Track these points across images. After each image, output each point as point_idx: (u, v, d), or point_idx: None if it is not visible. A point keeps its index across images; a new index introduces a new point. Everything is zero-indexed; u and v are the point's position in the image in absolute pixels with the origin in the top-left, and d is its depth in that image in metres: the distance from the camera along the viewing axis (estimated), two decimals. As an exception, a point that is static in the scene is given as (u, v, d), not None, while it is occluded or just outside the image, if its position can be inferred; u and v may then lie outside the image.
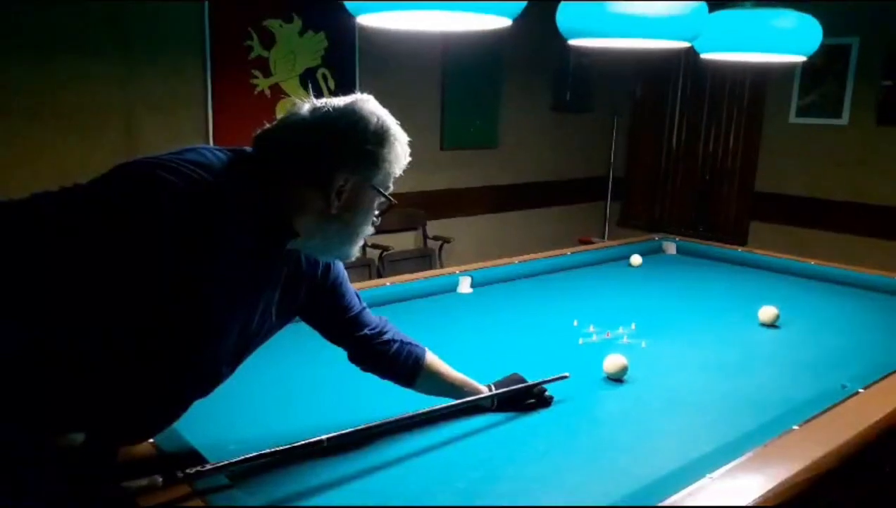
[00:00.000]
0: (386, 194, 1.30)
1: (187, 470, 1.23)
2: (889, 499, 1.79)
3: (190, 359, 1.21)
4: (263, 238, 1.23)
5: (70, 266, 1.07)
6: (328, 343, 1.55)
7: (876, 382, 1.80)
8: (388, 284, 2.63)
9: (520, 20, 1.71)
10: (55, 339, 1.10)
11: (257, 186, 1.21)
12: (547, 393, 1.75)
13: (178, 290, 1.13)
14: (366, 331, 1.53)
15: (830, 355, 2.17)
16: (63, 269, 1.07)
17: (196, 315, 1.17)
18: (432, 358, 1.62)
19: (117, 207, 1.08)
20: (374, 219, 1.32)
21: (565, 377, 1.80)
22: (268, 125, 1.28)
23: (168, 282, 1.11)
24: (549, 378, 1.77)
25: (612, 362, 1.91)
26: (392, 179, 1.31)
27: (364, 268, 4.24)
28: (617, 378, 1.91)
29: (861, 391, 1.74)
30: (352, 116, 1.24)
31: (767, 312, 2.41)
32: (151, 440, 1.34)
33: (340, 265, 1.49)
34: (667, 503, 1.24)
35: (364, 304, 1.55)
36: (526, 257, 3.15)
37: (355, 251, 1.34)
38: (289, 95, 4.09)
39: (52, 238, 1.06)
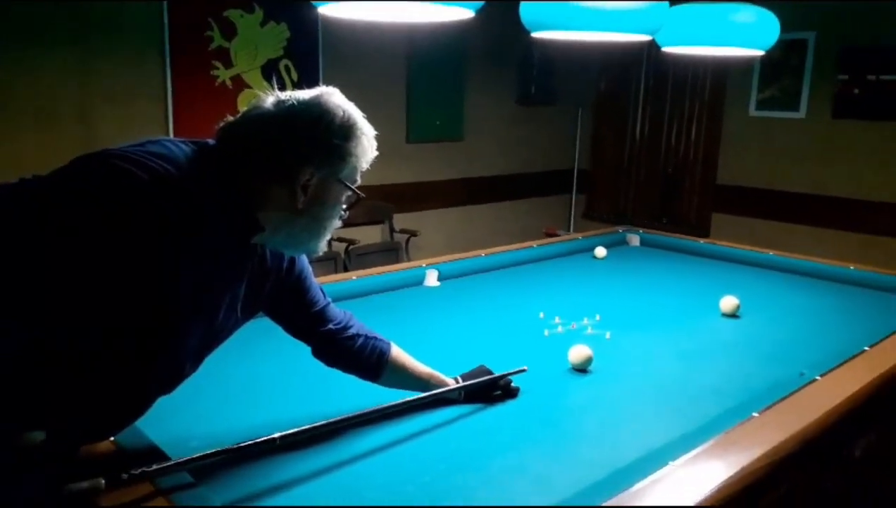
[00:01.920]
0: (353, 187, 1.29)
1: (132, 472, 1.18)
2: (846, 482, 1.84)
3: (155, 355, 1.19)
4: (229, 233, 1.21)
5: (33, 263, 1.04)
6: (291, 338, 1.53)
7: (833, 369, 1.84)
8: (353, 278, 2.62)
9: (484, 13, 1.71)
10: (19, 338, 1.07)
11: (222, 180, 1.19)
12: (513, 384, 1.75)
13: (142, 285, 1.10)
14: (330, 326, 1.51)
15: (789, 343, 2.22)
16: (25, 266, 1.04)
17: (161, 311, 1.14)
18: (398, 352, 1.61)
19: (79, 200, 1.06)
20: (342, 213, 1.31)
21: (523, 371, 1.79)
22: (231, 118, 1.25)
23: (132, 277, 1.09)
24: (508, 372, 1.77)
25: (577, 353, 1.93)
26: (359, 173, 1.30)
27: (330, 262, 4.21)
28: (581, 369, 1.93)
29: (818, 378, 1.78)
30: (317, 110, 1.22)
31: (728, 302, 2.46)
32: (111, 438, 1.31)
33: (305, 260, 1.47)
34: (630, 490, 1.25)
35: (329, 299, 1.54)
36: (492, 249, 3.15)
37: (322, 246, 1.32)
38: (251, 87, 4.03)
39: (12, 235, 1.03)
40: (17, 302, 1.05)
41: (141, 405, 1.26)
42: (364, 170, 1.31)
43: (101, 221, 1.05)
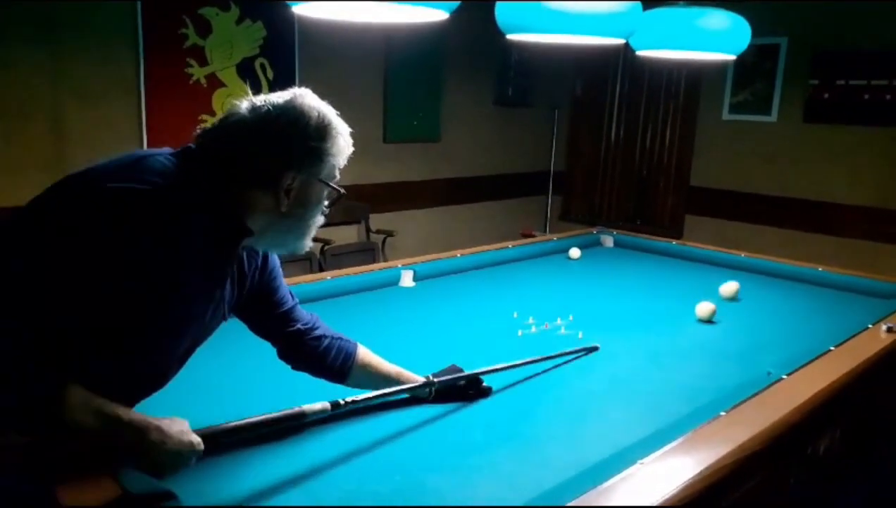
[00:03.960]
0: (333, 185, 1.31)
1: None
2: (811, 479, 1.87)
3: (145, 360, 1.22)
4: (219, 239, 1.25)
5: (36, 286, 1.07)
6: (256, 339, 1.53)
7: (799, 368, 1.88)
8: (329, 278, 2.61)
9: (462, 14, 1.72)
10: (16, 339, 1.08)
11: (208, 190, 1.22)
12: (485, 384, 1.76)
13: (139, 292, 1.14)
14: (298, 326, 1.52)
15: (757, 343, 2.25)
16: (31, 288, 1.07)
17: (155, 317, 1.18)
18: (365, 352, 1.61)
19: (76, 226, 1.09)
20: (324, 210, 1.34)
21: (596, 349, 1.99)
22: (208, 125, 1.28)
23: (129, 284, 1.12)
24: (579, 348, 1.93)
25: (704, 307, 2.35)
26: (337, 170, 1.33)
27: (305, 262, 4.19)
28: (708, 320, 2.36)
29: (785, 377, 1.82)
30: (292, 114, 1.25)
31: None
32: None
33: (276, 259, 1.49)
34: (599, 488, 1.27)
35: (296, 300, 1.55)
36: (468, 250, 3.17)
37: (308, 244, 1.35)
38: (225, 85, 3.99)
39: (17, 270, 1.07)
40: (19, 305, 1.07)
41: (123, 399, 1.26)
42: (342, 167, 1.33)
43: (97, 227, 1.09)
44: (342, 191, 1.33)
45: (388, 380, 1.63)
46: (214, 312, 1.32)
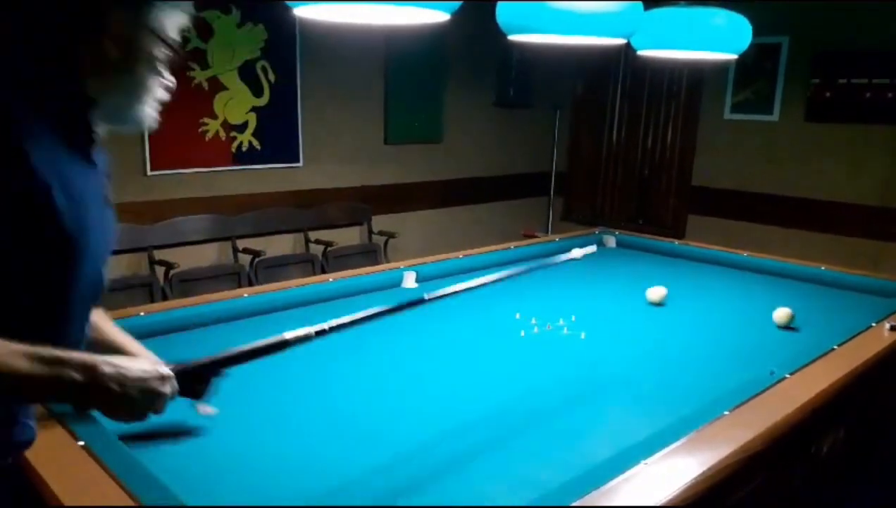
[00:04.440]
0: (165, 38, 1.16)
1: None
2: (814, 478, 1.87)
3: (75, 265, 1.09)
4: (66, 114, 1.12)
5: None
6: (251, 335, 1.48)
7: (801, 367, 1.88)
8: (331, 279, 2.61)
9: (463, 15, 1.72)
10: None
11: (34, 58, 1.08)
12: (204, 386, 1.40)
13: (45, 209, 1.02)
14: None
15: (760, 342, 2.25)
16: None
17: (50, 218, 1.04)
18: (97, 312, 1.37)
19: None
20: (163, 76, 1.19)
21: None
22: None
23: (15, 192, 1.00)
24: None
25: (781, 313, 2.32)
26: (171, 29, 1.18)
27: (308, 264, 4.20)
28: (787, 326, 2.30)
29: (787, 376, 1.82)
30: None
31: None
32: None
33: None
34: (602, 489, 1.27)
35: None
36: (471, 251, 3.17)
37: (150, 113, 1.19)
38: (227, 88, 4.01)
39: None
40: None
41: (75, 328, 1.17)
42: (178, 26, 1.20)
43: None
44: (177, 49, 1.18)
45: (109, 349, 1.35)
46: (104, 202, 1.20)
